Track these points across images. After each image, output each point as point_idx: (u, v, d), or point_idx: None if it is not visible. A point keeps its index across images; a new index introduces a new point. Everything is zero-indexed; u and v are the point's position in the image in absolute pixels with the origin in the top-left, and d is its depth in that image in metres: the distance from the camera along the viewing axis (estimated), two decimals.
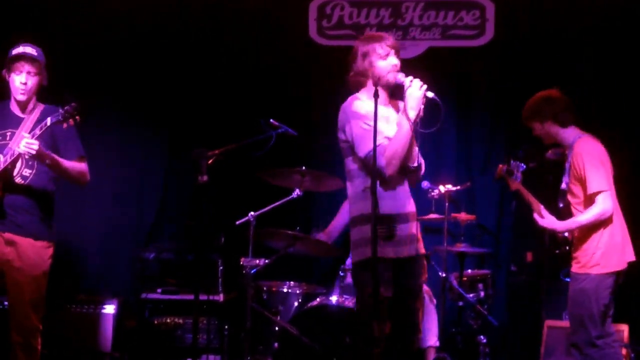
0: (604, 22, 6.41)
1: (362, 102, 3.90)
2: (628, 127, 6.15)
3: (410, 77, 3.79)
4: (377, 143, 3.69)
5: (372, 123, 3.66)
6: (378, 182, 3.72)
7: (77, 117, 4.05)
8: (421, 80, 3.80)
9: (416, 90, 3.74)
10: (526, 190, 4.67)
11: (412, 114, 3.74)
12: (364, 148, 3.77)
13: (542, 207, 4.57)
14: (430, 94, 3.75)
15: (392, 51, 3.93)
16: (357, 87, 3.99)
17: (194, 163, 4.57)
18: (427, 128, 3.81)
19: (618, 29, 6.37)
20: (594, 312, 4.34)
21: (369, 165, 3.72)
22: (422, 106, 3.78)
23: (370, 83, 3.88)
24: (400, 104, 3.90)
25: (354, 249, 3.92)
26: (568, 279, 5.41)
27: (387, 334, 3.90)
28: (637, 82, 6.31)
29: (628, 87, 6.33)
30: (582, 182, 4.40)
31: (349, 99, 3.94)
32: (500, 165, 4.77)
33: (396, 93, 3.95)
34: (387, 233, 3.85)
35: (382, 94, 3.89)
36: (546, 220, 4.54)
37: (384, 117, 3.86)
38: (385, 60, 3.90)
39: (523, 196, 4.68)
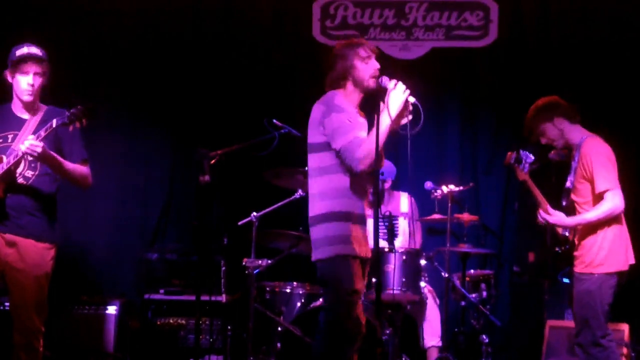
0: (604, 23, 6.41)
1: (341, 99, 3.94)
2: (628, 127, 6.16)
3: (394, 81, 3.84)
4: (355, 136, 3.78)
5: (352, 119, 3.79)
6: (350, 180, 3.86)
7: (83, 120, 4.02)
8: (406, 85, 3.84)
9: (400, 93, 3.80)
10: (533, 184, 4.62)
11: (394, 114, 3.77)
12: (342, 140, 3.80)
13: (548, 205, 4.55)
14: (412, 99, 3.80)
15: (373, 55, 3.99)
16: (334, 88, 4.02)
17: (196, 163, 4.56)
18: (407, 131, 3.88)
19: (618, 30, 6.38)
20: (599, 312, 4.34)
21: (343, 158, 3.80)
22: (407, 111, 3.84)
23: (349, 86, 3.96)
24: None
25: (326, 245, 3.95)
26: (566, 280, 5.40)
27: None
28: (637, 82, 6.31)
29: (628, 87, 6.34)
30: (591, 181, 4.39)
31: (328, 95, 3.97)
32: (509, 153, 4.71)
33: (374, 97, 3.96)
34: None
35: (356, 100, 3.99)
36: (554, 216, 4.52)
37: (358, 122, 3.94)
38: (367, 64, 3.94)
39: (530, 189, 4.62)
